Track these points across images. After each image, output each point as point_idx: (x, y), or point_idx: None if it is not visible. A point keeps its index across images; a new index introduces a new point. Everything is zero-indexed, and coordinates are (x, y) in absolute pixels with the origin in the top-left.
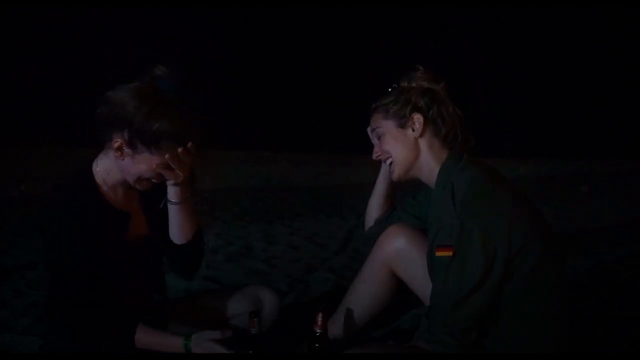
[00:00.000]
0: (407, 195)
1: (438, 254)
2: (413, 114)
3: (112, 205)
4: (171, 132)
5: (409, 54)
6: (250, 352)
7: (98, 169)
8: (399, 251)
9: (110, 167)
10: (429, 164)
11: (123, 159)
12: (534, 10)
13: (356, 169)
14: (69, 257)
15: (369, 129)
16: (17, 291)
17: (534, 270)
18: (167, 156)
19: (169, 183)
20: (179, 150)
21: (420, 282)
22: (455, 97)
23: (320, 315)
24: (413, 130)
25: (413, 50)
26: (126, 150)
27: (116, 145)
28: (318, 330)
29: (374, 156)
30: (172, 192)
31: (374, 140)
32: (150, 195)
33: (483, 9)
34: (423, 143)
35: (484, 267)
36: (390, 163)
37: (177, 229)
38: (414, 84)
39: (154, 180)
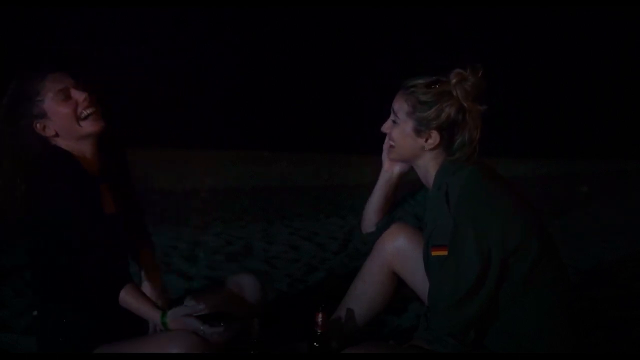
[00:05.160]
0: (407, 195)
1: (433, 254)
2: (433, 131)
3: (86, 170)
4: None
5: (409, 54)
6: (251, 352)
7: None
8: (399, 250)
9: (67, 141)
10: (428, 170)
11: (54, 131)
12: (533, 9)
13: (356, 169)
14: (53, 210)
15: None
16: (17, 291)
17: (533, 268)
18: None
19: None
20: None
21: (421, 281)
22: None
23: (320, 315)
24: (426, 141)
25: (413, 50)
26: (47, 121)
27: (38, 126)
28: (318, 330)
29: (382, 128)
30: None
31: (391, 117)
32: (112, 168)
33: (483, 9)
34: (429, 154)
35: (478, 266)
36: (391, 145)
37: None
38: (455, 93)
39: (88, 110)
